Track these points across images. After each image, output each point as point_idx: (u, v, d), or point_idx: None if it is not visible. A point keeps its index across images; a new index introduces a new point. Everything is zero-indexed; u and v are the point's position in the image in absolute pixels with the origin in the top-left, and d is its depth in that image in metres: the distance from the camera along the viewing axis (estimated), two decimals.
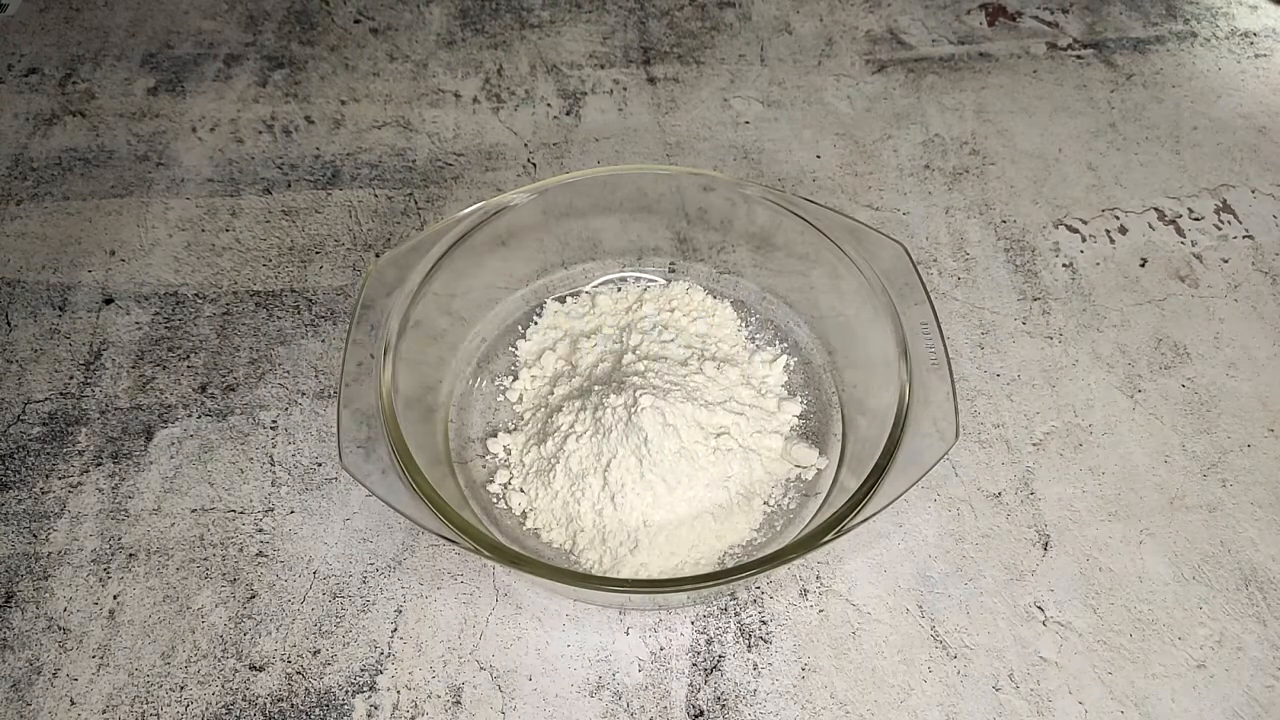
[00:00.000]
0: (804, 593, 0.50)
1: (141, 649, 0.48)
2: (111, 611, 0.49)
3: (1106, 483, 0.55)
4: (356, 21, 0.83)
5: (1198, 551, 0.52)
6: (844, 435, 0.54)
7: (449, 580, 0.51)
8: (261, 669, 0.47)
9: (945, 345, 0.49)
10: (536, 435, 0.53)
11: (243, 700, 0.46)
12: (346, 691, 0.47)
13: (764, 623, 0.49)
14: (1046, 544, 0.52)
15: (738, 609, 0.50)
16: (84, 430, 0.56)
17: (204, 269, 0.64)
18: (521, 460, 0.53)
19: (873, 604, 0.50)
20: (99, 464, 0.55)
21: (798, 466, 0.53)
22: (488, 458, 0.54)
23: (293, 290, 0.63)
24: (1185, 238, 0.68)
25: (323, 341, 0.61)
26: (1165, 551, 0.52)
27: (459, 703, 0.46)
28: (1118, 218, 0.69)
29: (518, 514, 0.52)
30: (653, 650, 0.48)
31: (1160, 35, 0.83)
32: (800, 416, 0.55)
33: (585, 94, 0.77)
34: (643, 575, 0.48)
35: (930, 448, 0.45)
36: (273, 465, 0.55)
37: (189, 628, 0.49)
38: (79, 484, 0.54)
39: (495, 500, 0.52)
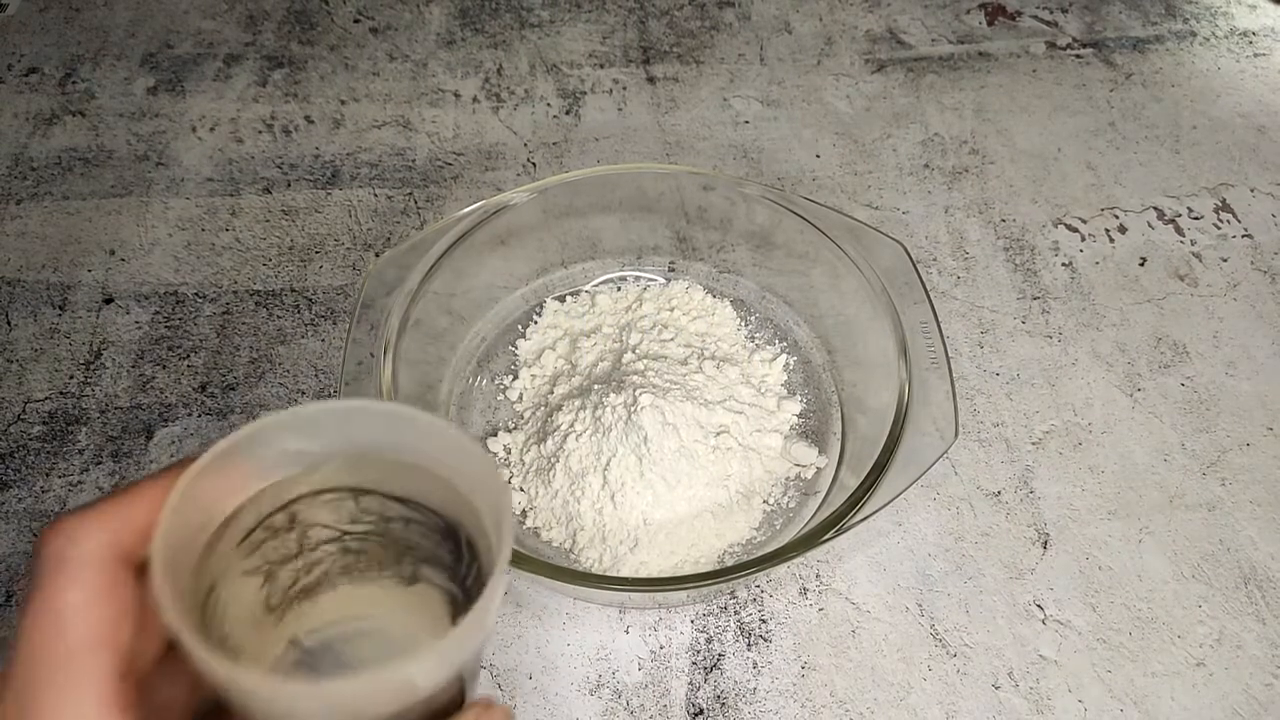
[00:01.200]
0: (804, 591, 0.50)
1: None
2: None
3: (1106, 481, 0.55)
4: (356, 21, 0.83)
5: (1197, 550, 0.52)
6: (843, 434, 0.54)
7: None
8: None
9: (945, 344, 0.49)
10: (536, 434, 0.53)
11: None
12: None
13: (764, 621, 0.49)
14: (1046, 542, 0.52)
15: (737, 607, 0.50)
16: (84, 429, 0.56)
17: (204, 268, 0.65)
18: (521, 459, 0.53)
19: (872, 602, 0.50)
20: (99, 463, 0.55)
21: (797, 465, 0.53)
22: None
23: (292, 290, 0.63)
24: (1184, 237, 0.68)
25: (322, 341, 0.61)
26: (1164, 550, 0.52)
27: None
28: (1117, 217, 0.69)
29: (517, 513, 0.52)
30: (652, 649, 0.48)
31: (1159, 34, 0.83)
32: (800, 415, 0.55)
33: (585, 93, 0.77)
34: (642, 574, 0.48)
35: (930, 446, 0.45)
36: None
37: None
38: (79, 483, 0.54)
39: None
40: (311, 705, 0.21)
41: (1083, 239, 0.67)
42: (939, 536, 0.52)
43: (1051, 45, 0.82)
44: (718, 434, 0.51)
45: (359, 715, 0.22)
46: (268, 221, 0.67)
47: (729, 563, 0.50)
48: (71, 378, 0.59)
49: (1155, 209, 0.69)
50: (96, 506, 0.21)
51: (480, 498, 0.25)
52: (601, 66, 0.79)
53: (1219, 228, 0.68)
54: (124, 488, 0.21)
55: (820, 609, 0.50)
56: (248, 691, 0.20)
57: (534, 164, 0.71)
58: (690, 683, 0.47)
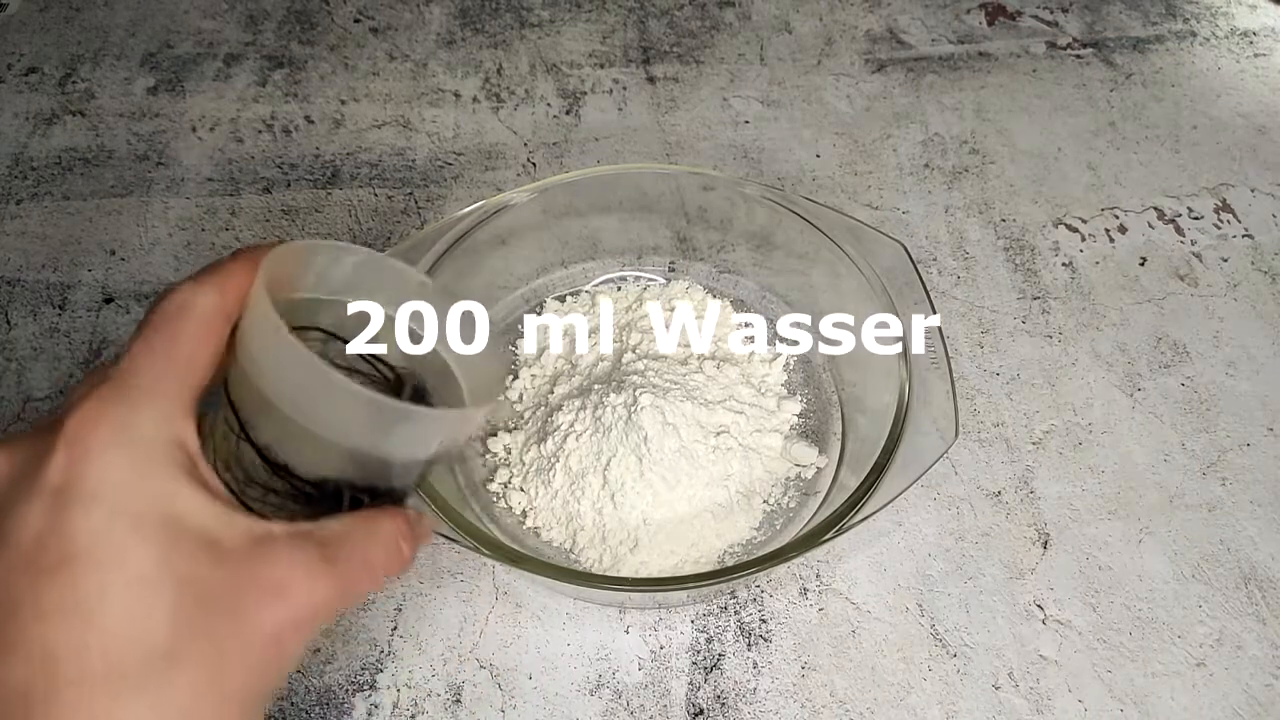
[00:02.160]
0: (804, 591, 0.50)
1: None
2: None
3: (1106, 481, 0.55)
4: (356, 21, 0.83)
5: (1197, 550, 0.52)
6: (844, 434, 0.54)
7: (449, 579, 0.51)
8: None
9: (945, 344, 0.49)
10: (536, 434, 0.53)
11: None
12: (346, 690, 0.47)
13: (764, 621, 0.49)
14: (1046, 542, 0.52)
15: (738, 607, 0.50)
16: None
17: None
18: (521, 459, 0.53)
19: (872, 602, 0.50)
20: None
21: (797, 465, 0.53)
22: (488, 456, 0.54)
23: None
24: (1185, 237, 0.68)
25: None
26: (1165, 550, 0.52)
27: (459, 701, 0.46)
28: (1117, 217, 0.69)
29: (517, 513, 0.52)
30: (653, 649, 0.48)
31: (1160, 34, 0.83)
32: (800, 415, 0.55)
33: (585, 93, 0.77)
34: (643, 574, 0.48)
35: (930, 446, 0.45)
36: None
37: None
38: None
39: (495, 499, 0.52)
40: (341, 406, 0.27)
41: (1083, 239, 0.67)
42: (939, 536, 0.52)
43: (1051, 45, 0.82)
44: (718, 434, 0.51)
45: (357, 458, 0.28)
46: (268, 221, 0.67)
47: (729, 563, 0.50)
48: (71, 377, 0.59)
49: (1155, 209, 0.69)
50: (202, 276, 0.28)
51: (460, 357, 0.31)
52: (601, 66, 0.79)
53: (1219, 228, 0.68)
54: (215, 264, 0.28)
55: (820, 609, 0.50)
56: (305, 381, 0.26)
57: (534, 164, 0.71)
58: (690, 683, 0.47)
